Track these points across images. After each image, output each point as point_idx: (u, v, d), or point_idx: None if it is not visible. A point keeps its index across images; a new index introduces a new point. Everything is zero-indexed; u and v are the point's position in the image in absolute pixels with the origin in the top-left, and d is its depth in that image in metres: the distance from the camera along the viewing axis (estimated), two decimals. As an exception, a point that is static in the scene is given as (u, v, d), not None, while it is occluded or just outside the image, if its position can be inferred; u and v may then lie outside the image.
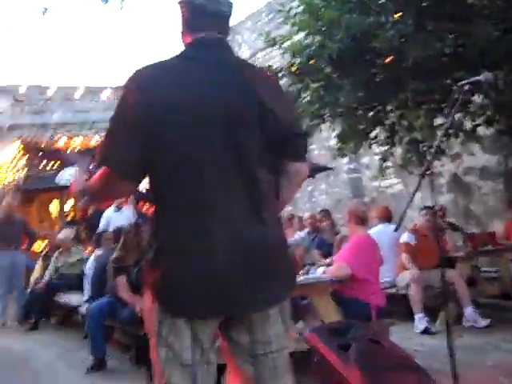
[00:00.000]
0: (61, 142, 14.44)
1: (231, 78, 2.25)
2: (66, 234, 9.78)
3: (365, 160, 12.81)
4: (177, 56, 2.30)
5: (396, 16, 5.95)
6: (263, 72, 2.58)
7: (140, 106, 2.13)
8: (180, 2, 2.39)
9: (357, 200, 9.38)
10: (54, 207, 16.53)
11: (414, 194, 4.50)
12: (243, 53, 15.42)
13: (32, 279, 10.11)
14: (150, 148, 2.14)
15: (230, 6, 2.38)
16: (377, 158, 9.21)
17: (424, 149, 7.80)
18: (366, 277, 5.24)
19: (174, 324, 2.16)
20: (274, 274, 2.22)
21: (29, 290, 9.64)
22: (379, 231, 7.54)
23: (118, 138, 2.20)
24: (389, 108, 7.68)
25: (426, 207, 7.46)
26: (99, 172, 2.26)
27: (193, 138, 2.14)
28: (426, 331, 6.52)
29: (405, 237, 7.24)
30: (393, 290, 7.12)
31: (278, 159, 2.35)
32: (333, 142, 9.68)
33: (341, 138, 8.05)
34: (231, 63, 2.32)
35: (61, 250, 9.40)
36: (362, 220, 5.61)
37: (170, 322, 2.17)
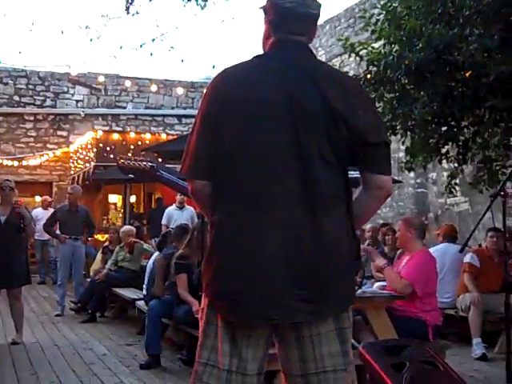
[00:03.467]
0: (131, 135, 14.67)
1: (301, 78, 2.19)
2: (128, 228, 9.87)
3: (432, 175, 12.56)
4: (256, 56, 2.32)
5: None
6: (343, 77, 2.46)
7: (212, 103, 2.19)
8: (266, 5, 2.33)
9: (413, 214, 9.18)
10: (118, 200, 16.77)
11: (483, 215, 4.36)
12: (319, 57, 15.21)
13: (92, 270, 10.26)
14: (217, 143, 2.15)
15: (319, 7, 2.31)
16: (445, 174, 8.98)
17: (497, 168, 7.55)
18: (425, 295, 5.12)
19: (217, 327, 2.16)
20: (326, 284, 2.10)
21: (88, 280, 9.79)
22: (443, 250, 7.39)
23: (199, 139, 2.21)
24: (463, 124, 7.45)
25: (493, 229, 7.15)
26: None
27: (252, 133, 2.14)
28: (483, 357, 6.26)
29: (468, 257, 6.98)
30: (451, 312, 6.93)
31: (360, 170, 2.25)
32: (401, 154, 9.49)
33: (410, 151, 7.85)
34: (304, 64, 2.25)
35: (122, 244, 9.50)
36: (424, 234, 5.56)
37: (215, 325, 2.17)
